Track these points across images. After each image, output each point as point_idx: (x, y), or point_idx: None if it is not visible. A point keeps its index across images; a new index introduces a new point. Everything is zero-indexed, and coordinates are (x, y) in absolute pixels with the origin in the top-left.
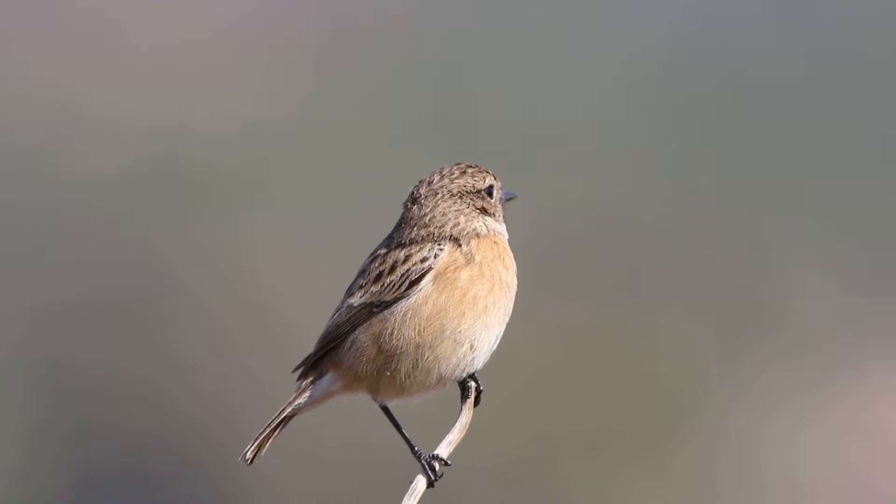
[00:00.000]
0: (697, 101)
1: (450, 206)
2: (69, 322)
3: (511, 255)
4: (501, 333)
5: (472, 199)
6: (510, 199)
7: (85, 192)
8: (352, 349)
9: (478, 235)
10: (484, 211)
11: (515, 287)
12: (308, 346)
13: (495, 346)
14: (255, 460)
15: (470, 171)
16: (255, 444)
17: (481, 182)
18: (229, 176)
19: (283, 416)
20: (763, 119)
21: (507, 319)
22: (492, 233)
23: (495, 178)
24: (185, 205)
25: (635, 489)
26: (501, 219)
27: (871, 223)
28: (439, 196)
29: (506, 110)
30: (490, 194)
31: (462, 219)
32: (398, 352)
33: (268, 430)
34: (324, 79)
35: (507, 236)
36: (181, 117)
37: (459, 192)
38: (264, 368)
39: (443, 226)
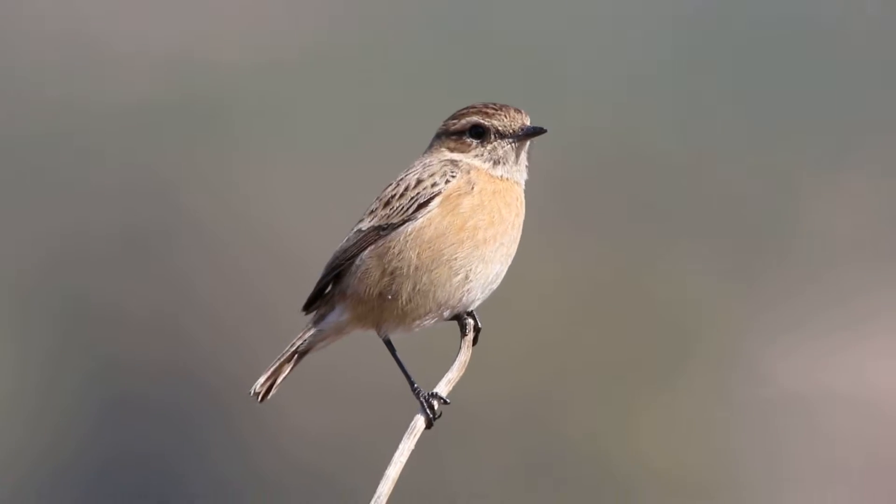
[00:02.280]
0: (723, 39)
1: (431, 144)
2: (90, 252)
3: (517, 198)
4: (502, 273)
5: (446, 139)
6: (533, 133)
7: (106, 122)
8: (357, 272)
9: (469, 170)
10: (451, 150)
11: (518, 228)
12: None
13: (495, 286)
14: (266, 397)
15: (456, 113)
16: (266, 379)
17: (455, 124)
18: (247, 108)
19: (293, 350)
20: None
21: (509, 260)
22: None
23: (488, 116)
24: (206, 135)
25: (646, 421)
26: (502, 157)
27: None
28: (434, 135)
29: (528, 47)
30: (478, 134)
31: (433, 157)
32: (399, 274)
33: (278, 364)
34: (340, 13)
35: (515, 176)
36: (200, 49)
37: (438, 133)
38: (280, 300)
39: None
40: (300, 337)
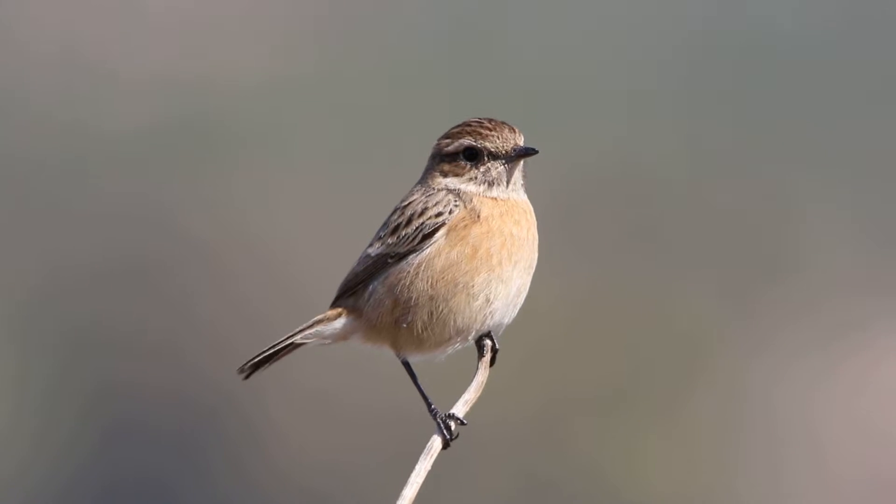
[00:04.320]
0: (717, 56)
1: (428, 167)
2: (90, 276)
3: (524, 211)
4: (526, 286)
5: (440, 161)
6: (525, 154)
7: (106, 146)
8: (370, 300)
9: (472, 198)
10: (445, 174)
11: (534, 240)
12: (324, 297)
13: (521, 301)
14: (249, 376)
15: (450, 132)
16: (255, 360)
17: (448, 145)
18: (248, 128)
19: (290, 341)
20: (785, 73)
21: (530, 272)
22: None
23: (481, 138)
24: (206, 158)
25: (652, 446)
26: (496, 178)
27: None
28: (429, 155)
29: (526, 61)
30: (471, 156)
31: (433, 182)
32: (413, 304)
33: (272, 352)
34: (340, 32)
35: (513, 195)
36: (199, 70)
37: (433, 154)
38: (281, 322)
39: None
40: (300, 329)
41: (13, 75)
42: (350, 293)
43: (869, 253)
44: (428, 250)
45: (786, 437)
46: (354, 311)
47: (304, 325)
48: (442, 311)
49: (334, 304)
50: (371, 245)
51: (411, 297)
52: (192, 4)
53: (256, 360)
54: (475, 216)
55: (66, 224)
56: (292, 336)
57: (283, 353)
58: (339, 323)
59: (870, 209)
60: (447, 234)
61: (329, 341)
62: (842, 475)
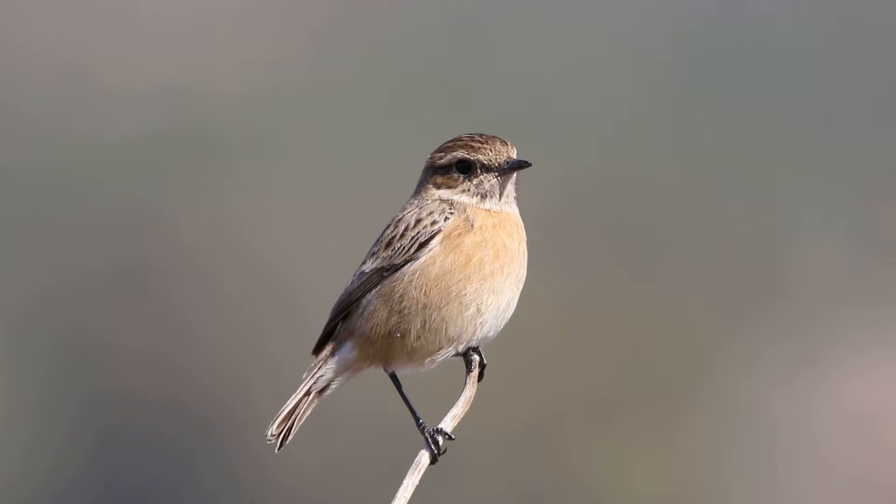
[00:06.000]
0: (702, 64)
1: (421, 180)
2: (85, 286)
3: (516, 224)
4: (515, 300)
5: (433, 174)
6: (518, 167)
7: (102, 154)
8: (363, 313)
9: (465, 208)
10: (439, 186)
11: (524, 254)
12: (315, 307)
13: (510, 314)
14: (284, 443)
15: (443, 146)
16: (282, 421)
17: (441, 158)
18: (245, 139)
19: (307, 390)
20: (783, 83)
21: (520, 286)
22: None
23: (473, 150)
24: (203, 167)
25: (642, 459)
26: (489, 190)
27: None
28: (423, 169)
29: (513, 74)
30: (464, 169)
31: (426, 195)
32: (407, 312)
33: (292, 405)
34: (328, 42)
35: (505, 208)
36: (196, 81)
37: (426, 167)
38: (275, 332)
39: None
40: (312, 375)
41: (9, 83)
42: (344, 313)
43: (861, 263)
44: (423, 258)
45: (781, 446)
46: (349, 332)
47: (314, 370)
48: (434, 319)
49: (327, 331)
50: (364, 262)
51: (405, 306)
52: (189, 13)
53: (282, 422)
54: (469, 225)
55: (61, 231)
56: (306, 383)
57: (307, 406)
58: (343, 349)
59: (861, 219)
60: (442, 241)
61: (342, 377)
62: (837, 481)
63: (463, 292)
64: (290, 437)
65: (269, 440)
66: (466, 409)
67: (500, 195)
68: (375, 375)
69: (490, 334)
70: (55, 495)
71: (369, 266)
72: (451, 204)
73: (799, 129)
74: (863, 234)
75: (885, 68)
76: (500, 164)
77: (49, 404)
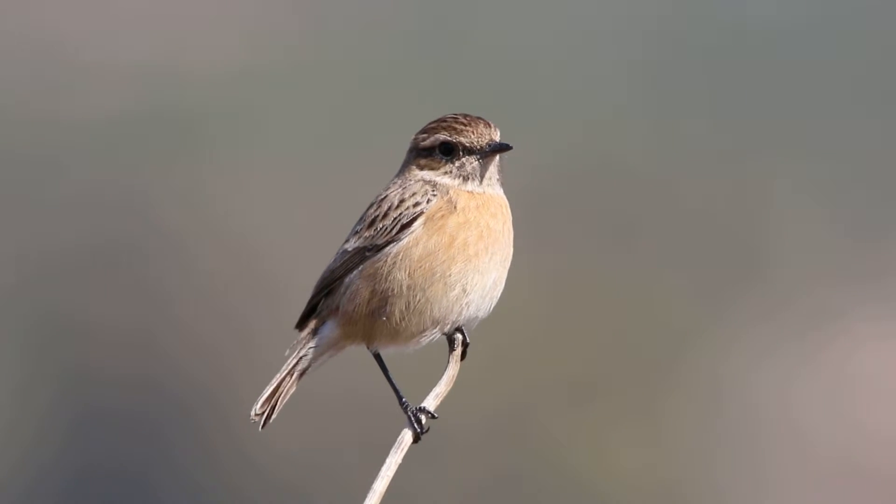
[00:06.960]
0: (689, 44)
1: (405, 160)
2: (61, 266)
3: (500, 205)
4: (502, 280)
5: (417, 156)
6: (500, 149)
7: (77, 135)
8: (346, 293)
9: (448, 190)
10: (422, 167)
11: (509, 234)
12: (296, 286)
13: (498, 293)
14: (268, 421)
15: (426, 127)
16: (265, 401)
17: (424, 140)
18: (220, 119)
19: (291, 368)
20: (757, 62)
21: (506, 265)
22: (456, 189)
23: (456, 133)
24: (177, 147)
25: (623, 440)
26: (471, 173)
27: (867, 166)
28: (407, 150)
29: (498, 53)
30: (446, 151)
31: (409, 175)
32: (391, 294)
33: (276, 384)
34: (304, 22)
35: (488, 190)
36: (170, 60)
37: (410, 148)
38: (252, 311)
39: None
40: (295, 354)
41: None
42: (327, 291)
43: (842, 241)
44: (406, 240)
45: (762, 427)
46: (332, 310)
47: (298, 346)
48: (419, 300)
49: (309, 307)
50: (347, 241)
51: (389, 287)
52: None
53: (265, 401)
54: (452, 207)
55: (36, 213)
56: (291, 362)
57: (291, 384)
58: (325, 327)
59: (841, 198)
60: (425, 223)
61: (326, 355)
62: (818, 461)
63: (448, 273)
64: (274, 416)
65: (253, 419)
66: (449, 388)
67: (483, 177)
68: (358, 355)
69: (479, 314)
70: (32, 476)
71: (352, 245)
72: (434, 185)
73: (780, 110)
74: (844, 213)
75: (858, 39)
76: (482, 147)
77: (24, 385)
